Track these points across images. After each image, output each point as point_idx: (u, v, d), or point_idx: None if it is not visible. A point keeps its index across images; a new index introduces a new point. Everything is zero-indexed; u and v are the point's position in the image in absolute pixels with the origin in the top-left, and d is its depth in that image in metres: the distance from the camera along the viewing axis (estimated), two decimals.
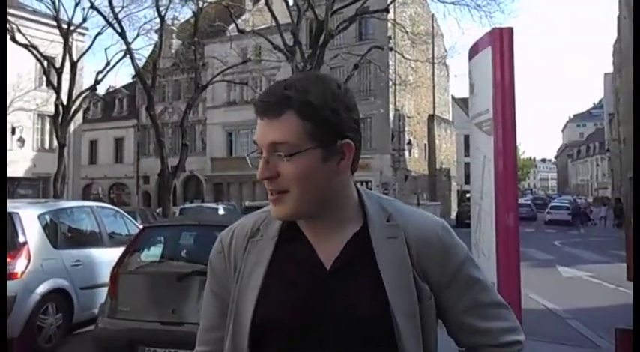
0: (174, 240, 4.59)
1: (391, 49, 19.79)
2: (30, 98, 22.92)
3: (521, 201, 42.82)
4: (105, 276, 5.09)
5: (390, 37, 22.14)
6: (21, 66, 21.05)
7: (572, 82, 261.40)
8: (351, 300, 1.00)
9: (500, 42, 3.54)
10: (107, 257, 5.65)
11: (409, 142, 31.23)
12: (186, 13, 31.41)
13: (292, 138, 0.98)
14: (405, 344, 0.99)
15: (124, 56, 17.79)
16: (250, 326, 1.02)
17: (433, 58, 26.23)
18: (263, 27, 21.21)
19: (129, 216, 7.87)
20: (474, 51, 3.96)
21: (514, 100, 3.58)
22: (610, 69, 44.82)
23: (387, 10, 16.66)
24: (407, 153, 31.70)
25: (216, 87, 26.17)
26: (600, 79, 52.35)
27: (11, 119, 22.49)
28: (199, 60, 18.71)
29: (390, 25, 20.93)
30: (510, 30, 3.57)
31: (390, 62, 22.22)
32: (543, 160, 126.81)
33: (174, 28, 24.60)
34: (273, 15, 15.60)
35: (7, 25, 17.73)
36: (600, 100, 66.93)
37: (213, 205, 21.10)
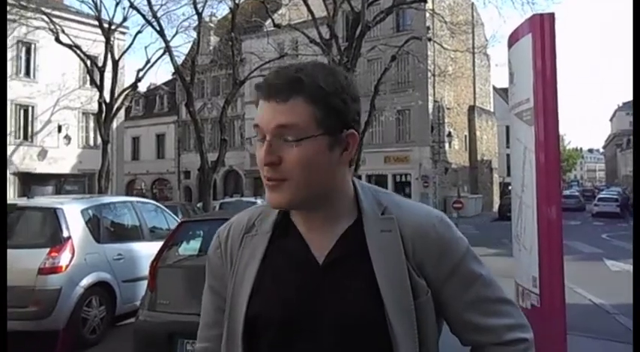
0: (212, 234, 4.63)
1: (429, 40, 19.42)
2: (74, 97, 23.73)
3: (568, 192, 41.86)
4: (145, 269, 5.21)
5: (428, 28, 21.74)
6: (65, 65, 21.84)
7: (621, 69, 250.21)
8: (343, 296, 0.97)
9: (542, 28, 3.41)
10: (148, 251, 5.76)
11: (449, 134, 30.69)
12: (223, 10, 31.83)
13: (302, 123, 0.95)
14: (399, 340, 0.95)
15: (164, 54, 18.17)
16: (244, 321, 1.01)
17: (473, 47, 25.61)
18: (299, 21, 21.21)
19: (169, 211, 8.04)
20: (513, 38, 3.82)
21: (556, 89, 3.43)
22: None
23: (424, 0, 16.35)
24: (447, 145, 31.17)
25: (253, 82, 26.35)
26: None
27: (57, 117, 23.42)
28: (237, 55, 18.86)
29: (428, 15, 20.55)
30: (552, 15, 3.42)
31: (429, 53, 21.85)
32: (590, 151, 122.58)
33: (211, 25, 24.92)
34: (309, 8, 15.58)
35: (52, 26, 18.40)
36: None
37: (252, 199, 21.33)
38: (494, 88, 45.86)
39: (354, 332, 0.96)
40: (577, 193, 41.57)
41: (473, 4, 29.79)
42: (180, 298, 3.97)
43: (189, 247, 4.59)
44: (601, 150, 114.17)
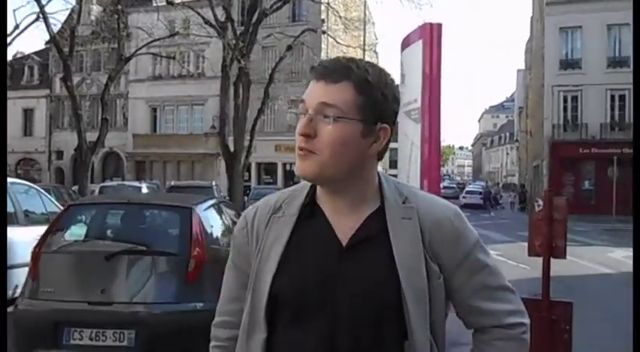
0: (100, 219, 4.44)
1: (324, 33, 19.86)
2: None
3: (447, 183, 46.00)
4: (21, 257, 4.84)
5: (323, 20, 22.18)
6: None
7: (491, 77, 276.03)
8: (365, 275, 1.05)
9: (431, 36, 3.75)
10: (22, 236, 5.36)
11: None
12: None
13: (343, 105, 1.04)
14: (412, 320, 1.04)
15: (36, 20, 16.46)
16: (267, 296, 1.07)
17: (364, 44, 26.58)
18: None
19: (46, 193, 7.46)
20: (405, 43, 4.16)
21: (440, 91, 3.82)
22: (522, 66, 47.64)
23: None
24: None
25: (140, 59, 25.01)
26: (514, 74, 55.58)
27: None
28: (123, 29, 17.76)
29: (323, 7, 20.94)
30: (440, 25, 3.79)
31: (323, 45, 22.32)
32: (461, 148, 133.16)
33: None
34: None
35: None
36: (512, 94, 71.15)
37: (136, 183, 20.34)
38: None
39: (371, 311, 1.04)
40: (454, 185, 45.72)
41: (366, 1, 30.87)
42: (67, 285, 3.78)
43: (76, 232, 4.37)
44: (469, 147, 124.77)
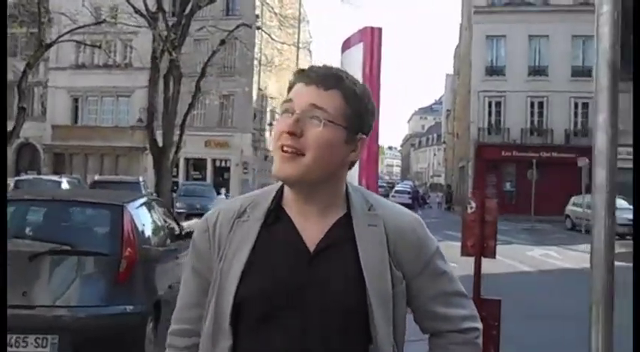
0: (21, 216, 4.14)
1: (258, 28, 19.65)
2: None
3: (381, 182, 47.27)
4: None
5: (257, 16, 21.95)
6: None
7: (421, 80, 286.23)
8: (330, 281, 1.06)
9: (371, 39, 3.81)
10: None
11: (270, 123, 31.49)
12: None
13: (333, 110, 1.06)
14: (377, 324, 1.06)
15: None
16: (232, 303, 1.06)
17: (298, 42, 26.62)
18: None
19: None
20: (346, 45, 4.19)
21: (379, 93, 3.89)
22: (451, 71, 49.74)
23: None
24: (268, 133, 31.94)
25: (62, 46, 23.59)
26: (443, 78, 57.91)
27: None
28: (44, 14, 16.65)
29: (258, 3, 20.69)
30: (380, 29, 3.85)
31: (257, 41, 22.06)
32: (390, 148, 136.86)
33: None
34: None
35: None
36: (441, 97, 74.15)
37: (55, 178, 19.10)
38: None
39: (337, 315, 1.05)
40: (384, 184, 47.01)
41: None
42: None
43: None
44: (398, 148, 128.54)
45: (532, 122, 27.04)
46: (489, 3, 27.61)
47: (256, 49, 21.52)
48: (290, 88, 1.11)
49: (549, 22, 25.89)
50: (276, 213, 1.12)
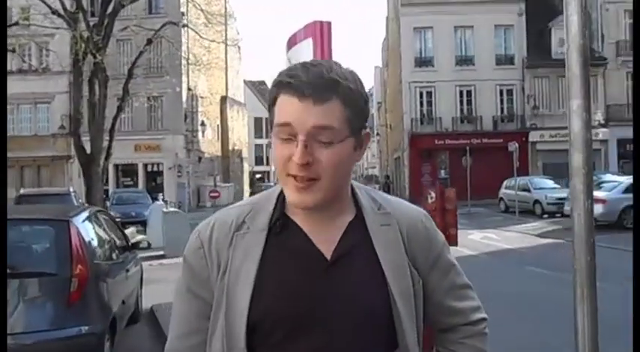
0: None
1: (185, 26, 19.05)
2: None
3: None
4: None
5: (183, 13, 21.29)
6: None
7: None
8: (355, 287, 1.00)
9: (321, 34, 3.74)
10: None
11: (202, 123, 30.76)
12: None
13: (337, 124, 0.96)
14: (405, 327, 1.02)
15: None
16: (247, 323, 0.97)
17: (226, 39, 26.10)
18: None
19: None
20: (292, 41, 4.10)
21: None
22: (380, 63, 50.76)
23: None
24: (200, 134, 31.18)
25: None
26: (371, 71, 59.00)
27: None
28: None
29: (182, 0, 20.04)
30: (329, 24, 3.80)
31: (184, 39, 21.40)
32: None
33: None
34: None
35: None
36: (370, 90, 75.57)
37: None
38: (245, 81, 47.79)
39: (365, 320, 0.99)
40: None
41: None
42: None
43: None
44: None
45: (462, 110, 28.04)
46: None
47: (184, 48, 20.90)
48: (274, 100, 0.99)
49: (473, 13, 26.96)
50: (281, 222, 1.03)
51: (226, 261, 1.01)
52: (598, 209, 13.78)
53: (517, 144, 20.48)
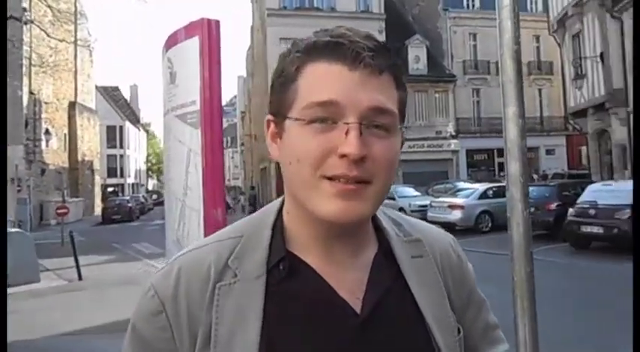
0: None
1: (28, 23, 17.00)
2: None
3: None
4: None
5: (25, 9, 18.99)
6: None
7: None
8: (395, 344, 0.74)
9: (209, 33, 3.48)
10: None
11: (47, 132, 27.66)
12: None
13: (393, 106, 0.71)
14: None
15: None
16: None
17: (76, 39, 23.88)
18: None
19: None
20: (173, 40, 3.75)
21: (220, 94, 3.56)
22: (243, 73, 50.59)
23: None
24: (44, 143, 28.00)
25: None
26: (234, 80, 58.75)
27: None
28: None
29: None
30: (218, 22, 3.54)
31: (25, 38, 19.07)
32: None
33: None
34: None
35: None
36: (232, 99, 75.06)
37: None
38: (97, 86, 44.21)
39: None
40: None
41: None
42: None
43: None
44: None
45: None
46: (281, 6, 28.67)
47: (26, 47, 18.64)
48: (296, 72, 0.70)
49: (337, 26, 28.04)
50: (284, 263, 0.74)
51: (207, 329, 0.70)
52: (457, 214, 15.06)
53: None
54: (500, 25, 1.39)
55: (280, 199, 0.80)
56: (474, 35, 29.55)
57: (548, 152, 30.10)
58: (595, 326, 5.69)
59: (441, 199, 16.69)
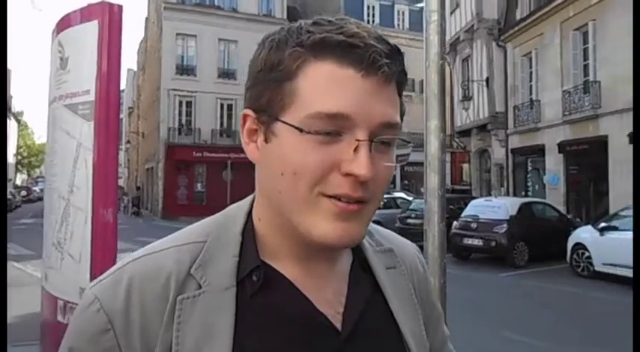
0: None
1: None
2: None
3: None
4: None
5: None
6: None
7: None
8: None
9: (111, 18, 3.27)
10: None
11: None
12: None
13: (400, 120, 0.65)
14: None
15: None
16: None
17: None
18: None
19: None
20: (65, 23, 3.45)
21: (119, 85, 3.32)
22: (133, 66, 47.99)
23: None
24: None
25: None
26: (123, 73, 55.65)
27: None
28: None
29: None
30: (120, 7, 3.31)
31: None
32: None
33: None
34: None
35: None
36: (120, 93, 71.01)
37: None
38: None
39: None
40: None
41: None
42: None
43: None
44: None
45: (222, 124, 28.28)
46: (179, 1, 27.58)
47: None
48: (295, 70, 0.61)
49: (238, 28, 27.52)
50: (258, 273, 0.65)
51: (166, 348, 0.60)
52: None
53: None
54: (428, 40, 1.46)
55: (246, 202, 0.72)
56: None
57: None
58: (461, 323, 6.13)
59: None
